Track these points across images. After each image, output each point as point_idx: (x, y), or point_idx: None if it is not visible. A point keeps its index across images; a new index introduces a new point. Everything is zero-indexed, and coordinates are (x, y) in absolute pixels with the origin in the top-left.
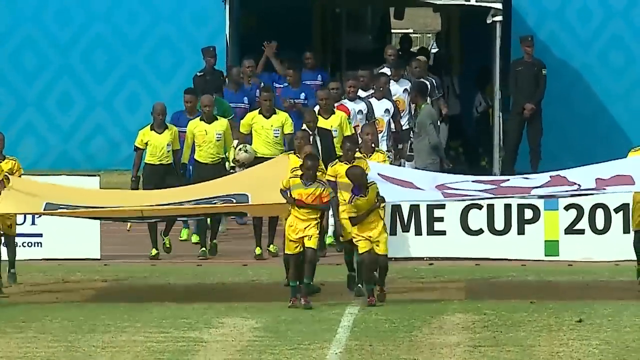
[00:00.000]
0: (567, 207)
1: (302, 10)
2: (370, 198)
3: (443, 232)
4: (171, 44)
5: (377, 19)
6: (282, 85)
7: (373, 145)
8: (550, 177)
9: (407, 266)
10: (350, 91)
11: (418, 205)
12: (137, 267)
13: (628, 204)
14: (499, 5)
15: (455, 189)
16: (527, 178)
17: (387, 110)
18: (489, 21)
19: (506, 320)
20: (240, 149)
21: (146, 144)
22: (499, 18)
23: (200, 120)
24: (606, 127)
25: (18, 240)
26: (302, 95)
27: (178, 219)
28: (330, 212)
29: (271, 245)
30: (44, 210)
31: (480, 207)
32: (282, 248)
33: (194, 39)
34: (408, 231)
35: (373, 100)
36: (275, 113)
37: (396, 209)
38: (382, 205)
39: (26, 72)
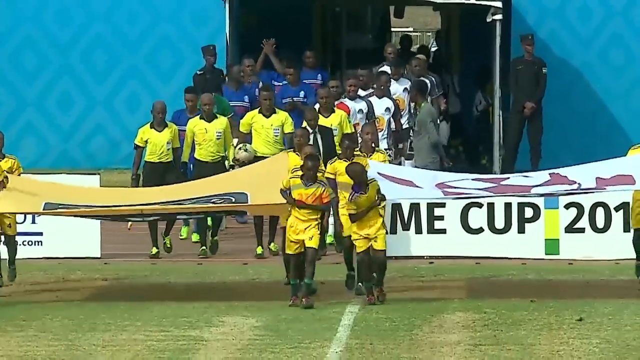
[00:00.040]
0: (567, 206)
1: (302, 9)
2: (370, 195)
3: (443, 231)
4: (171, 44)
5: (377, 18)
6: (280, 83)
7: (373, 145)
8: (550, 175)
9: (408, 265)
10: (351, 90)
11: (418, 204)
12: (137, 266)
13: (628, 203)
14: (498, 4)
15: (455, 187)
16: (527, 176)
17: (387, 109)
18: (488, 20)
19: (506, 319)
20: (240, 148)
21: (146, 142)
22: (499, 16)
23: (200, 118)
24: (606, 125)
25: (18, 239)
26: (302, 94)
27: (178, 217)
28: (331, 212)
29: (272, 244)
30: (43, 209)
31: (480, 205)
32: (282, 247)
33: (194, 39)
34: (408, 230)
35: (373, 99)
36: (275, 112)
37: (396, 207)
38: (383, 204)
39: (26, 72)
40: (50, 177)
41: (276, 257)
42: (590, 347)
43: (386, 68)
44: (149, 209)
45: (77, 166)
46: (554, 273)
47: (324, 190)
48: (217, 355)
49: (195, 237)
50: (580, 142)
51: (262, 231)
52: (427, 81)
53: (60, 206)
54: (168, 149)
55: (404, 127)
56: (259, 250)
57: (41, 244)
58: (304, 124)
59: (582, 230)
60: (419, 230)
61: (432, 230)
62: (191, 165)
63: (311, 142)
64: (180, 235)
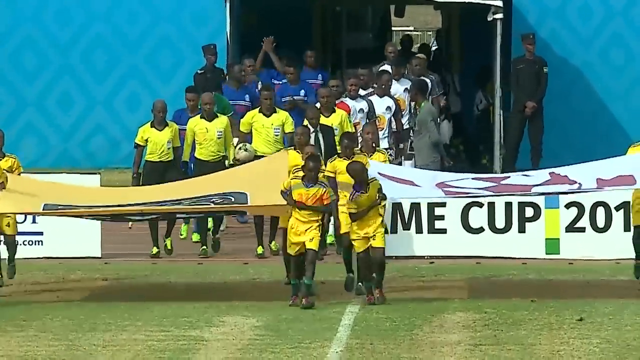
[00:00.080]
0: (568, 205)
1: (303, 8)
2: (371, 194)
3: (444, 231)
4: (171, 44)
5: (377, 18)
6: (280, 82)
7: (374, 144)
8: (551, 174)
9: (408, 265)
10: (352, 89)
11: (419, 204)
12: (137, 266)
13: (629, 202)
14: (499, 3)
15: (455, 187)
16: (527, 175)
17: (388, 108)
18: (489, 19)
19: (507, 319)
20: (240, 148)
21: (146, 141)
22: (499, 15)
23: (201, 118)
24: (606, 125)
25: (19, 238)
26: (302, 93)
27: (178, 216)
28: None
29: (273, 242)
30: (43, 210)
31: (481, 205)
32: (283, 246)
33: (194, 38)
34: (409, 229)
35: (374, 98)
36: (275, 112)
37: (397, 207)
38: (383, 203)
39: (26, 72)
40: (50, 176)
41: (277, 257)
42: (591, 347)
43: (387, 67)
44: (149, 210)
45: (78, 166)
46: (555, 273)
47: (324, 192)
48: (217, 355)
49: (195, 237)
50: (581, 141)
51: (263, 231)
52: (428, 80)
53: (59, 207)
54: (168, 148)
55: (404, 127)
56: (260, 250)
57: (41, 244)
58: (305, 122)
59: (582, 229)
60: (419, 230)
61: (432, 230)
62: (192, 165)
63: (312, 141)
64: (181, 235)
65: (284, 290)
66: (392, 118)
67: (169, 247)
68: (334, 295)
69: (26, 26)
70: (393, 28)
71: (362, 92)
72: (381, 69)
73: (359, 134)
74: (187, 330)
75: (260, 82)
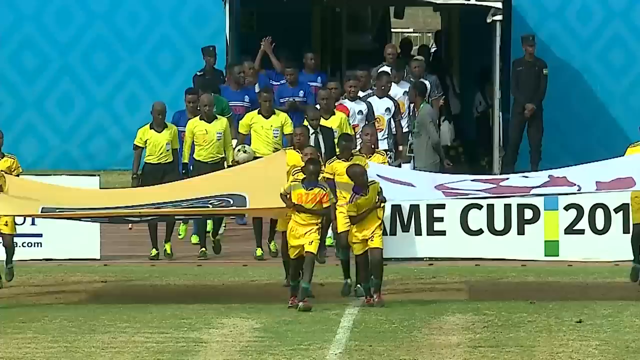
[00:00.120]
0: (567, 207)
1: (302, 10)
2: (370, 197)
3: (443, 232)
4: (171, 44)
5: (377, 19)
6: (278, 83)
7: (373, 146)
8: (550, 176)
9: (407, 266)
10: (351, 91)
11: (418, 206)
12: (137, 268)
13: (628, 204)
14: (499, 5)
15: (454, 189)
16: (526, 177)
17: (387, 109)
18: (489, 20)
19: (506, 321)
20: (239, 150)
21: (145, 142)
22: (499, 17)
23: (200, 119)
24: (606, 127)
25: (18, 240)
26: (301, 94)
27: (176, 217)
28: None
29: (272, 243)
30: (41, 212)
31: (480, 207)
32: (282, 249)
33: (194, 39)
34: (408, 231)
35: (374, 99)
36: (274, 113)
37: (396, 209)
38: (382, 205)
39: (26, 72)
40: (50, 178)
41: (276, 259)
42: (590, 349)
43: (386, 68)
44: (148, 212)
45: (77, 167)
46: (554, 274)
47: (324, 194)
48: (216, 357)
49: (194, 238)
50: (580, 143)
51: (262, 233)
52: (427, 82)
53: (58, 210)
54: (167, 150)
55: (403, 131)
56: (259, 252)
57: (41, 246)
58: (305, 123)
59: (581, 231)
60: (418, 232)
61: (431, 231)
62: (191, 167)
63: (312, 142)
64: (179, 235)
65: (282, 292)
66: (392, 120)
67: (168, 252)
68: (333, 297)
69: (26, 26)
70: (392, 29)
71: (361, 93)
72: (380, 70)
73: (358, 136)
74: (186, 332)
75: (257, 87)
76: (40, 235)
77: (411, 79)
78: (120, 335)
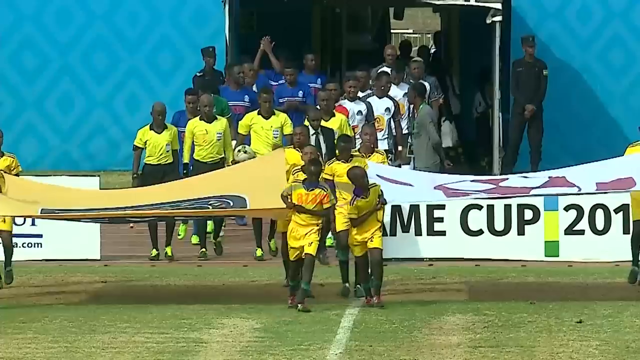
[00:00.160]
0: (567, 208)
1: (302, 10)
2: (371, 200)
3: (443, 233)
4: (171, 44)
5: (377, 19)
6: (277, 83)
7: (372, 145)
8: (549, 177)
9: (407, 267)
10: (351, 91)
11: (418, 206)
12: (137, 268)
13: (628, 205)
14: (498, 6)
15: (454, 189)
16: (526, 177)
17: (387, 109)
18: (488, 21)
19: (506, 321)
20: (239, 150)
21: (145, 143)
22: (498, 18)
23: (200, 119)
24: (606, 127)
25: (18, 240)
26: (300, 94)
27: (176, 218)
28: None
29: (272, 241)
30: (40, 214)
31: (480, 207)
32: (282, 249)
33: (194, 39)
34: (408, 232)
35: (373, 99)
36: (274, 114)
37: (396, 209)
38: (382, 207)
39: (26, 72)
40: (50, 178)
41: (276, 259)
42: (590, 349)
43: (385, 69)
44: (147, 213)
45: (77, 167)
46: (554, 275)
47: (325, 195)
48: (216, 357)
49: (194, 239)
50: (580, 143)
51: (262, 233)
52: (426, 84)
53: (57, 211)
54: (167, 151)
55: (403, 132)
56: (259, 252)
57: (41, 246)
58: (306, 123)
59: (581, 232)
60: (418, 232)
61: (431, 232)
62: (191, 167)
63: (313, 142)
64: (178, 235)
65: (283, 292)
66: (392, 120)
67: (169, 254)
68: (333, 297)
69: (26, 26)
70: (392, 30)
71: (360, 94)
72: (380, 70)
73: (357, 136)
74: (186, 332)
75: (254, 87)
76: (40, 236)
77: (410, 81)
78: (121, 335)
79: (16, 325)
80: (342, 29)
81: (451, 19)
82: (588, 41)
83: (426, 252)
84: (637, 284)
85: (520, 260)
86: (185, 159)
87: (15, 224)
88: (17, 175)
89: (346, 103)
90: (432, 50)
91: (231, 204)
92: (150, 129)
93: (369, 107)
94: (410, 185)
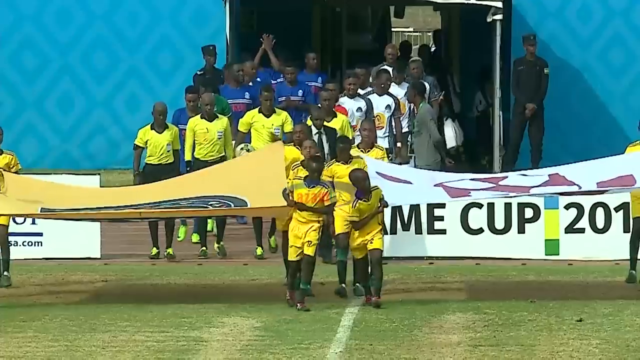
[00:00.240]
0: (567, 206)
1: (302, 9)
2: (373, 203)
3: (443, 231)
4: (171, 44)
5: (377, 18)
6: (277, 81)
7: (372, 141)
8: (549, 176)
9: (408, 265)
10: (350, 89)
11: (418, 205)
12: (137, 267)
13: (628, 203)
14: (499, 4)
15: (454, 187)
16: (525, 175)
17: (388, 106)
18: (489, 20)
19: (506, 320)
20: (242, 148)
21: (146, 143)
22: (499, 17)
23: (201, 118)
24: (606, 126)
25: (18, 239)
26: (300, 93)
27: (176, 219)
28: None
29: (272, 238)
30: (40, 212)
31: (480, 206)
32: (282, 248)
33: (194, 39)
34: (408, 230)
35: (374, 97)
36: (275, 112)
37: (396, 208)
38: (383, 209)
39: (26, 72)
40: (50, 178)
41: (276, 258)
42: (590, 348)
43: (386, 68)
44: (147, 213)
45: (77, 167)
46: (554, 273)
47: (326, 192)
48: (216, 356)
49: (195, 237)
50: (580, 143)
51: (262, 232)
52: (426, 83)
53: (57, 210)
54: (168, 151)
55: (403, 131)
56: (259, 251)
57: (41, 245)
58: (309, 122)
59: (582, 230)
60: (419, 231)
61: (432, 230)
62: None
63: (316, 142)
64: (178, 237)
65: (283, 291)
66: (392, 118)
67: (171, 253)
68: (334, 296)
69: (26, 26)
70: (393, 29)
71: (361, 91)
72: (380, 68)
73: (357, 133)
74: (186, 331)
75: (251, 83)
76: (40, 234)
77: (410, 80)
78: (121, 334)
79: (16, 324)
80: (342, 28)
81: (452, 17)
82: (588, 40)
83: (426, 250)
84: (637, 282)
85: (520, 259)
86: (187, 157)
87: (15, 223)
88: (16, 173)
89: (345, 101)
90: (432, 49)
91: (232, 205)
92: (151, 129)
93: (369, 104)
94: (410, 183)
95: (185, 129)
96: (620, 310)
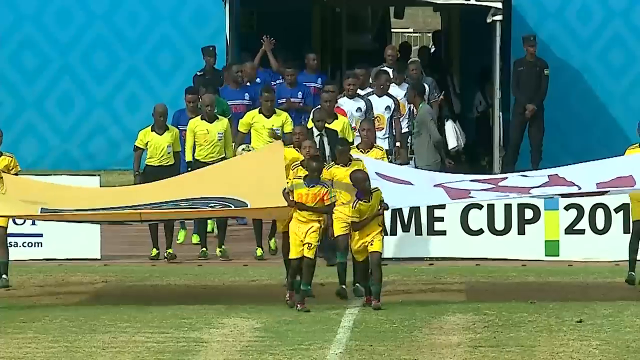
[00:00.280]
0: (567, 207)
1: (302, 9)
2: (373, 204)
3: (443, 232)
4: (171, 44)
5: (377, 19)
6: (276, 83)
7: (371, 141)
8: (549, 176)
9: (408, 266)
10: (350, 89)
11: (418, 205)
12: (137, 268)
13: (628, 204)
14: (499, 5)
15: (454, 188)
16: (525, 176)
17: (387, 107)
18: (489, 20)
19: (506, 321)
20: (243, 149)
21: (147, 144)
22: (499, 17)
23: (202, 119)
24: (606, 127)
25: (18, 240)
26: (299, 95)
27: (176, 221)
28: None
29: (272, 240)
30: (40, 213)
31: (480, 207)
32: (282, 249)
33: (194, 39)
34: (408, 231)
35: (373, 98)
36: (275, 113)
37: (396, 209)
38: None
39: (26, 72)
40: (50, 178)
41: (277, 259)
42: (590, 349)
43: (386, 69)
44: (147, 213)
45: (77, 167)
46: (554, 274)
47: (326, 191)
48: (216, 356)
49: (195, 238)
50: (580, 143)
51: (262, 233)
52: (425, 84)
53: (57, 211)
54: (168, 153)
55: (403, 131)
56: (259, 252)
57: (41, 245)
58: (310, 124)
59: (582, 231)
60: (419, 232)
61: (432, 231)
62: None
63: (317, 144)
64: (178, 240)
65: (283, 292)
66: (392, 119)
67: (171, 252)
68: (334, 297)
69: (26, 26)
70: (392, 30)
71: (360, 92)
72: (380, 69)
73: (357, 133)
74: (186, 331)
75: (248, 83)
76: (40, 235)
77: (410, 81)
78: (121, 335)
79: (16, 325)
80: (342, 28)
81: (451, 18)
82: (588, 41)
83: (426, 251)
84: (637, 284)
85: (520, 260)
86: (188, 157)
87: (15, 224)
88: (16, 175)
89: (344, 102)
90: (432, 50)
91: (232, 207)
92: (152, 130)
93: (368, 104)
94: (410, 183)
95: (184, 130)
96: (620, 311)
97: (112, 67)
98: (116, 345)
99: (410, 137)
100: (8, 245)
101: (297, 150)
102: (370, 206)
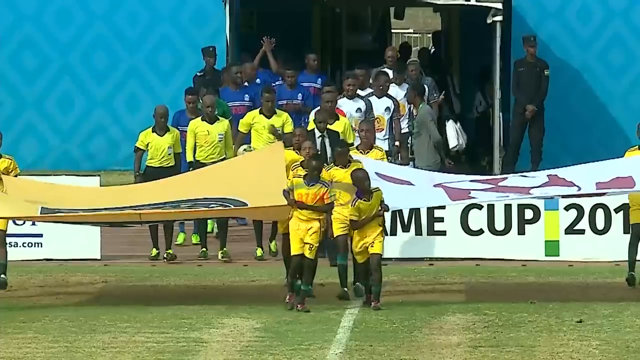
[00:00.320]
0: (567, 207)
1: (302, 10)
2: (373, 204)
3: (443, 233)
4: (171, 44)
5: (377, 19)
6: (276, 84)
7: (370, 142)
8: (549, 177)
9: (408, 266)
10: (349, 89)
11: (418, 207)
12: (137, 268)
13: (628, 204)
14: (499, 5)
15: (455, 188)
16: (525, 176)
17: (387, 108)
18: (489, 21)
19: (506, 321)
20: (244, 150)
21: (147, 145)
22: (499, 18)
23: (202, 120)
24: (606, 127)
25: (18, 240)
26: (299, 96)
27: (177, 220)
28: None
29: (272, 242)
30: (40, 214)
31: (480, 207)
32: (282, 249)
33: (194, 39)
34: (408, 231)
35: (373, 99)
36: (275, 113)
37: (396, 209)
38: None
39: (26, 72)
40: (50, 178)
41: (277, 259)
42: (590, 349)
43: (385, 70)
44: (147, 213)
45: (77, 167)
46: (554, 274)
47: (326, 191)
48: (216, 356)
49: (195, 238)
50: (580, 143)
51: (262, 233)
52: (425, 85)
53: (57, 211)
54: (169, 154)
55: (403, 132)
56: (259, 252)
57: (41, 246)
58: (311, 126)
59: (582, 231)
60: (419, 232)
61: (432, 231)
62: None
63: (318, 145)
64: (177, 241)
65: (283, 292)
66: (392, 120)
67: (171, 253)
68: (334, 297)
69: (26, 26)
70: (393, 30)
71: (360, 92)
72: (380, 70)
73: (357, 135)
74: (186, 332)
75: (246, 83)
76: (40, 236)
77: (410, 82)
78: (121, 335)
79: (16, 325)
80: (342, 29)
81: (452, 19)
82: (588, 41)
83: (426, 251)
84: (638, 282)
85: (520, 260)
86: (189, 158)
87: (15, 224)
88: (15, 177)
89: (343, 102)
90: (432, 51)
91: (232, 207)
92: (153, 132)
93: (368, 104)
94: (410, 184)
95: (185, 131)
96: (620, 311)
97: (112, 67)
98: (116, 345)
99: (410, 137)
100: (8, 245)
101: (296, 152)
102: (370, 206)
